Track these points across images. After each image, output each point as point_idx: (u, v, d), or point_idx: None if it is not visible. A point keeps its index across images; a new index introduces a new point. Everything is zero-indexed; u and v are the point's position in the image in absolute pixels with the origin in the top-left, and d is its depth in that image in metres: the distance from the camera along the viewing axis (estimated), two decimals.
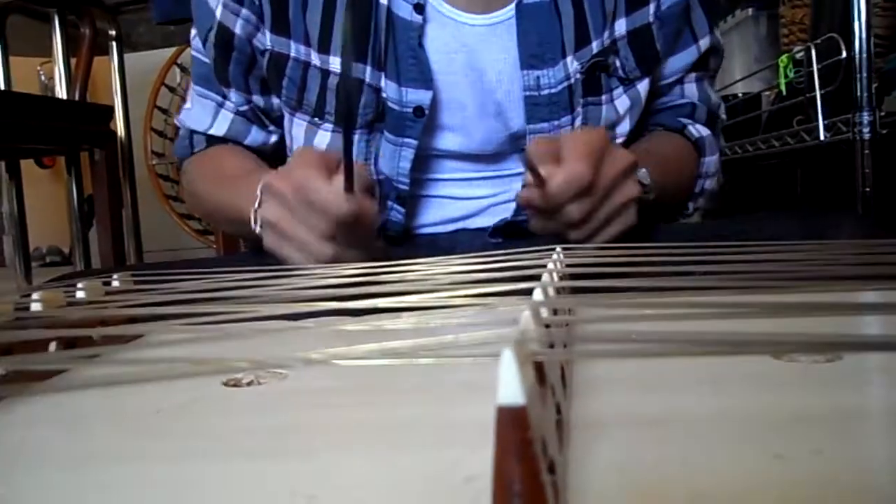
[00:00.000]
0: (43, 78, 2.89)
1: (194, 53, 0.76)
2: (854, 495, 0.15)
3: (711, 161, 0.76)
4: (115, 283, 0.39)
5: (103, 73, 1.87)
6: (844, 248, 0.36)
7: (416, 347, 0.18)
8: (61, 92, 1.60)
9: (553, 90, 0.68)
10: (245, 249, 1.23)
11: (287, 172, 0.54)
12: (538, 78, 0.67)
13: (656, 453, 0.18)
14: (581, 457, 0.18)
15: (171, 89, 3.06)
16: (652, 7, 0.70)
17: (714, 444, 0.19)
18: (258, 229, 0.59)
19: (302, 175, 0.52)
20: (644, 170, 0.60)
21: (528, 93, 0.68)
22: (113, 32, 1.69)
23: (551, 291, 0.23)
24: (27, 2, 1.62)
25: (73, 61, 1.66)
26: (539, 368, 0.15)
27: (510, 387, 0.12)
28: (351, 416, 0.23)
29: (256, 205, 0.58)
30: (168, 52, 2.88)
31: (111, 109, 1.62)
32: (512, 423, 0.12)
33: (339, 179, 0.50)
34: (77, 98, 1.56)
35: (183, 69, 3.04)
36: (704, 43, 0.74)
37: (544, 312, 0.20)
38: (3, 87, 1.68)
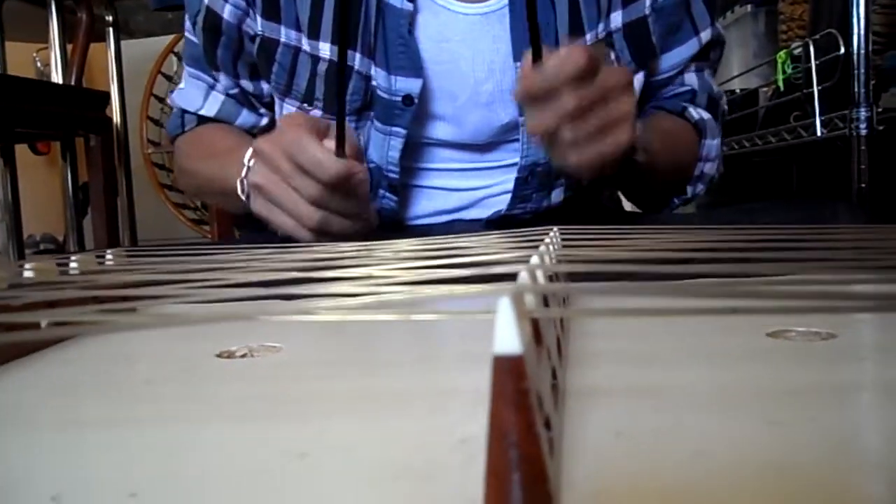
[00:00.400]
0: (39, 64, 2.87)
1: (187, 34, 0.76)
2: (848, 458, 0.15)
3: (713, 145, 0.74)
4: (109, 260, 0.39)
5: (99, 60, 1.86)
6: (842, 232, 0.36)
7: (414, 302, 0.18)
8: (57, 77, 1.59)
9: None
10: (239, 236, 1.23)
11: (276, 135, 0.54)
12: None
13: (654, 419, 0.18)
14: (577, 421, 0.18)
15: (168, 78, 3.04)
16: (648, 0, 0.69)
17: (711, 411, 0.19)
18: (244, 196, 0.59)
19: (293, 136, 0.52)
20: (640, 124, 0.57)
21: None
22: (110, 18, 1.68)
23: (547, 259, 0.23)
24: None
25: (69, 48, 1.65)
26: (535, 328, 0.15)
27: (507, 336, 0.12)
28: (345, 384, 0.23)
29: (244, 173, 0.59)
30: (165, 40, 2.86)
31: (107, 95, 1.61)
32: (509, 372, 0.12)
33: (330, 141, 0.50)
34: (73, 84, 1.55)
35: (180, 58, 3.03)
36: (706, 35, 0.73)
37: (541, 278, 0.20)
38: None
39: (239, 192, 0.60)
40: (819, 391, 0.20)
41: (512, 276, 0.18)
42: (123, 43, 1.85)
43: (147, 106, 2.99)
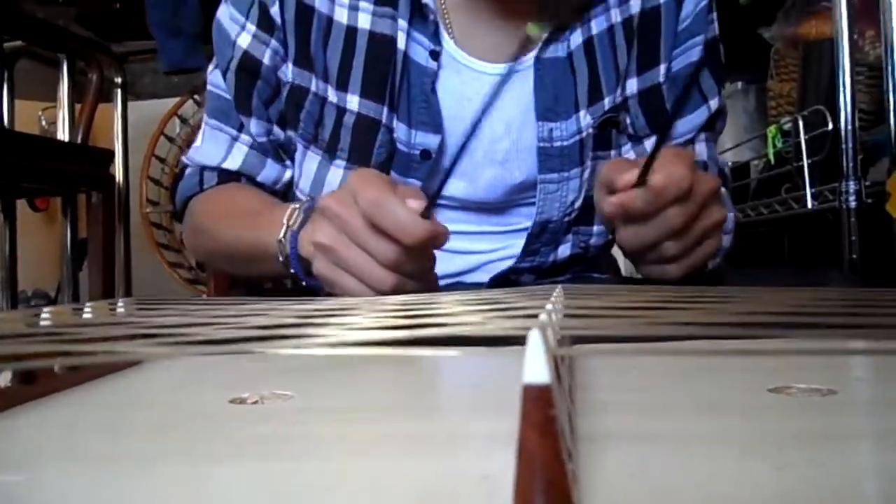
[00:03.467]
0: (44, 122, 2.92)
1: (211, 88, 0.76)
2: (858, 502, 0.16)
3: (730, 217, 0.76)
4: (120, 309, 0.40)
5: (103, 119, 1.90)
6: (834, 295, 0.37)
7: (440, 336, 0.19)
8: (63, 135, 1.63)
9: (565, 143, 0.69)
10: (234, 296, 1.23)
11: (347, 194, 0.51)
12: (551, 130, 0.69)
13: (665, 462, 0.18)
14: (589, 463, 0.18)
15: (170, 139, 3.10)
16: (663, 68, 0.72)
17: (717, 457, 0.19)
18: (282, 257, 0.58)
19: (372, 195, 0.48)
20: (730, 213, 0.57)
21: (541, 144, 0.69)
22: (119, 80, 1.72)
23: (555, 317, 0.24)
24: (39, 47, 1.66)
25: (77, 107, 1.69)
26: (555, 367, 0.16)
27: (536, 365, 0.13)
28: (361, 427, 0.24)
29: (293, 223, 0.57)
30: (169, 103, 2.92)
31: (112, 154, 1.64)
32: (537, 400, 0.13)
33: (414, 202, 0.48)
34: (80, 142, 1.58)
35: (183, 120, 3.09)
36: (714, 104, 0.76)
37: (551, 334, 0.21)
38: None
39: (276, 251, 0.58)
40: (824, 439, 0.21)
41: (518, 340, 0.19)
42: (129, 104, 1.89)
43: (148, 165, 3.04)
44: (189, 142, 3.08)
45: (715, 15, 0.75)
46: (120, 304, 0.39)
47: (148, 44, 1.69)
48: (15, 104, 1.85)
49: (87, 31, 1.65)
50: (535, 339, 0.13)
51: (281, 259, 0.59)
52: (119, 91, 1.74)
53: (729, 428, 0.22)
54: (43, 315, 0.31)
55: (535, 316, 0.19)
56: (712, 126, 0.78)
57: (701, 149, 0.78)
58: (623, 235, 0.54)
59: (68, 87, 1.63)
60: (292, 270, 0.59)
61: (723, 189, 0.75)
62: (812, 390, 0.27)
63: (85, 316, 0.35)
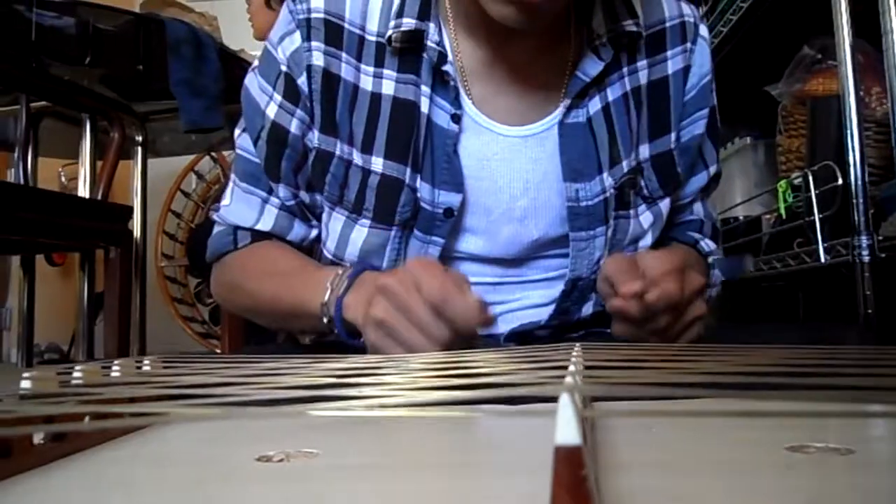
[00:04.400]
0: (63, 179, 2.98)
1: (239, 152, 0.79)
2: None
3: (717, 273, 0.83)
4: (146, 366, 0.40)
5: (122, 174, 1.95)
6: (855, 353, 0.37)
7: (472, 399, 0.19)
8: (84, 192, 1.66)
9: (590, 202, 0.72)
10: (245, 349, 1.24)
11: (407, 277, 0.57)
12: (577, 191, 0.72)
13: None
14: None
15: (186, 194, 3.16)
16: (673, 136, 0.77)
17: None
18: (326, 319, 0.65)
19: (439, 285, 0.55)
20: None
21: (569, 204, 0.72)
22: (140, 138, 1.77)
23: (580, 380, 0.25)
24: (64, 107, 1.71)
25: (98, 164, 1.73)
26: (582, 426, 0.17)
27: (567, 427, 0.14)
28: (389, 486, 0.24)
29: (336, 288, 0.65)
30: (186, 160, 2.99)
31: (131, 210, 1.67)
32: (568, 461, 0.14)
33: (473, 298, 0.55)
34: (100, 198, 1.61)
35: (199, 176, 3.15)
36: (713, 169, 0.83)
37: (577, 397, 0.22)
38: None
39: (318, 313, 0.65)
40: (844, 500, 0.21)
41: (545, 399, 0.20)
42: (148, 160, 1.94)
43: (164, 220, 3.09)
44: (204, 197, 3.14)
45: (714, 85, 0.81)
46: (146, 361, 0.40)
47: (169, 104, 1.74)
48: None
49: (111, 92, 1.69)
50: (565, 402, 0.14)
51: (325, 321, 0.65)
52: (140, 149, 1.78)
53: (750, 487, 0.23)
54: (75, 374, 0.32)
55: (562, 378, 0.19)
56: (708, 187, 0.85)
57: (698, 208, 0.85)
58: (616, 329, 0.63)
59: (91, 145, 1.68)
60: (336, 331, 0.65)
61: (712, 245, 0.83)
62: (830, 450, 0.28)
63: (113, 374, 0.36)
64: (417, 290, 0.56)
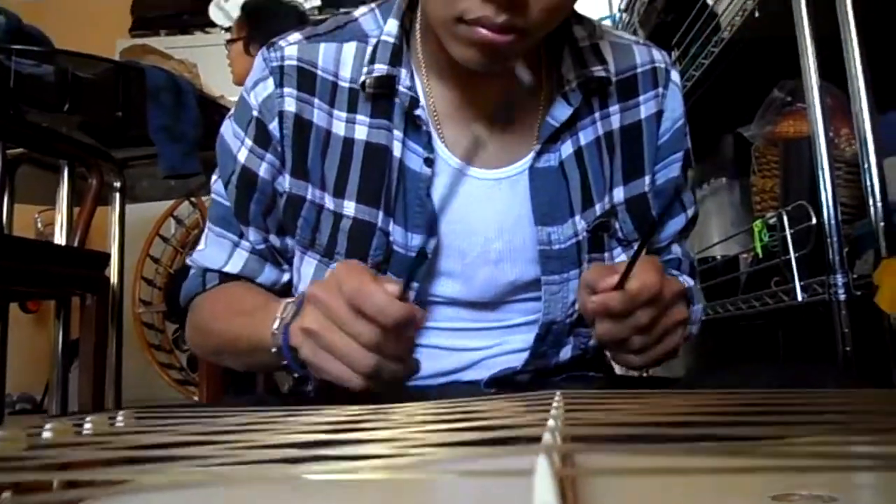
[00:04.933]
0: (39, 225, 2.95)
1: (214, 196, 0.80)
2: None
3: (697, 309, 0.83)
4: (120, 422, 0.39)
5: (99, 222, 1.93)
6: (835, 396, 0.37)
7: (454, 458, 0.19)
8: (61, 238, 1.64)
9: (563, 246, 0.73)
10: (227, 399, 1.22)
11: (333, 282, 0.55)
12: (549, 234, 0.72)
13: None
14: None
15: (165, 240, 3.13)
16: (647, 179, 0.77)
17: None
18: (274, 349, 0.61)
19: (355, 282, 0.53)
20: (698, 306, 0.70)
21: (541, 247, 0.72)
22: (118, 184, 1.76)
23: (560, 424, 0.25)
24: (41, 154, 1.70)
25: (75, 211, 1.71)
26: (562, 486, 0.16)
27: (544, 492, 0.13)
28: None
29: (285, 316, 0.61)
30: (165, 205, 2.97)
31: (108, 257, 1.65)
32: None
33: (392, 286, 0.53)
34: (76, 245, 1.59)
35: (178, 221, 3.13)
36: (690, 212, 0.84)
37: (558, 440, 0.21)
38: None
39: (270, 344, 0.62)
40: None
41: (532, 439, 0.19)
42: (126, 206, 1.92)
43: (142, 266, 3.05)
44: (183, 242, 3.12)
45: (688, 128, 0.82)
46: (119, 417, 0.39)
47: (147, 150, 1.73)
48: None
49: (89, 138, 1.69)
50: (542, 466, 0.13)
51: (274, 350, 0.62)
52: (118, 195, 1.77)
53: None
54: (45, 433, 0.31)
55: (539, 438, 0.19)
56: (687, 229, 0.87)
57: (676, 249, 0.85)
58: (600, 330, 0.61)
59: (68, 192, 1.66)
60: (284, 362, 0.62)
61: (691, 282, 0.84)
62: (814, 497, 0.27)
63: (85, 431, 0.35)
64: (339, 291, 0.54)
